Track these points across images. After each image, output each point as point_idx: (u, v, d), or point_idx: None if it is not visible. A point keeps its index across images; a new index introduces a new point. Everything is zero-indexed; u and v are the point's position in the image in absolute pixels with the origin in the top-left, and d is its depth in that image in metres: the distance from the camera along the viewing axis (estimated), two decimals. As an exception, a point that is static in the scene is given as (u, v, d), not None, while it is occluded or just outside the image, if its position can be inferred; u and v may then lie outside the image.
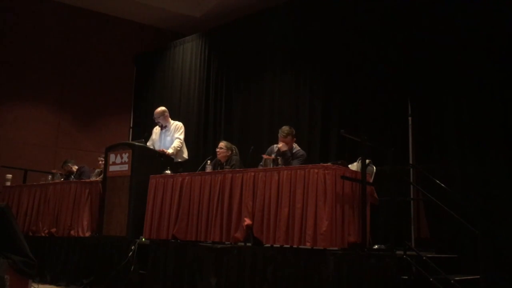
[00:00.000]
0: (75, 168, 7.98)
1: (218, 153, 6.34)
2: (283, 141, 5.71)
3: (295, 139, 5.81)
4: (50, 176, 7.79)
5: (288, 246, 4.60)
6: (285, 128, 5.75)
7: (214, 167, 6.22)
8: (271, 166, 5.01)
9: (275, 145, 5.85)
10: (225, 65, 9.18)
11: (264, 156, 5.32)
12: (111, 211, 6.24)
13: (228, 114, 8.91)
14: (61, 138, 10.10)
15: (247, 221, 4.82)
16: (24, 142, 9.59)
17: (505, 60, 5.49)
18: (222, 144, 6.37)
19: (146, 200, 5.83)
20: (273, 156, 5.46)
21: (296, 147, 5.79)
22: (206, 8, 10.06)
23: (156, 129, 7.11)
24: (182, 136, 6.90)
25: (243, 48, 8.82)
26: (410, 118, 6.40)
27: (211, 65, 9.42)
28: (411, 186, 6.17)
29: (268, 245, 4.74)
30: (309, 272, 4.29)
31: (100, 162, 7.30)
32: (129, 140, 10.08)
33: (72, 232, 6.62)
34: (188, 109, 9.61)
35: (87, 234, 6.48)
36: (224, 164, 6.12)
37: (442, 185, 5.07)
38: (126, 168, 6.19)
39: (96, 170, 7.55)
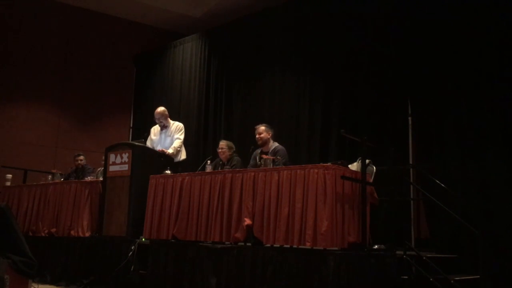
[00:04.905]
0: (84, 163, 7.96)
1: (219, 153, 6.36)
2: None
3: (270, 133, 5.99)
4: (50, 176, 7.79)
5: (288, 246, 4.60)
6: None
7: (215, 167, 6.23)
8: (271, 166, 5.01)
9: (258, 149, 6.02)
10: (225, 65, 9.18)
11: (264, 156, 5.33)
12: (111, 211, 6.24)
13: (228, 114, 8.91)
14: (61, 138, 10.10)
15: (247, 221, 4.82)
16: (24, 142, 9.59)
17: (505, 60, 5.49)
18: (222, 144, 6.38)
19: (146, 200, 5.83)
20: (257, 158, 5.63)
21: (274, 143, 5.95)
22: (206, 8, 10.06)
23: (155, 129, 7.12)
24: (182, 136, 6.91)
25: (243, 48, 8.82)
26: (410, 118, 6.40)
27: (211, 65, 9.43)
28: (411, 186, 6.17)
29: (268, 245, 4.74)
30: (309, 272, 4.29)
31: (103, 163, 7.29)
32: (129, 140, 10.09)
33: (72, 232, 6.61)
34: (188, 109, 9.61)
35: (87, 234, 6.48)
36: (225, 163, 6.12)
37: (442, 185, 5.07)
38: (126, 168, 6.19)
39: (99, 169, 7.54)
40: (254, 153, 6.05)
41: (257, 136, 5.99)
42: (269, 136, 5.97)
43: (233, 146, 6.38)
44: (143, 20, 10.93)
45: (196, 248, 5.20)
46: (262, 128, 6.00)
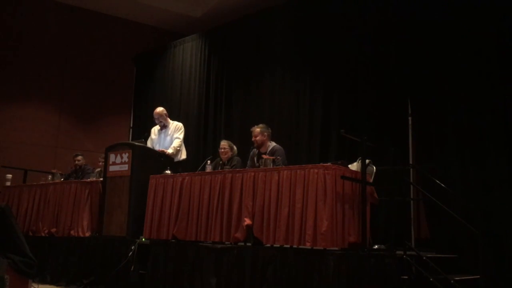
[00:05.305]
0: (83, 163, 7.99)
1: (221, 153, 6.34)
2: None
3: (266, 135, 5.87)
4: (50, 176, 7.79)
5: (288, 246, 4.61)
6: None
7: (215, 167, 6.22)
8: (271, 166, 5.01)
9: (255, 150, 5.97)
10: (225, 65, 9.18)
11: (264, 156, 5.33)
12: (111, 211, 6.24)
13: (228, 114, 8.91)
14: (61, 138, 10.10)
15: (247, 221, 4.82)
16: (24, 142, 9.59)
17: (505, 60, 5.49)
18: (224, 144, 6.37)
19: (146, 200, 5.83)
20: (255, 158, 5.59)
21: (272, 143, 5.88)
22: (206, 8, 10.07)
23: (155, 129, 7.12)
24: (182, 136, 6.91)
25: (243, 48, 8.82)
26: (410, 118, 6.40)
27: (211, 65, 9.43)
28: (411, 186, 6.17)
29: (268, 245, 4.74)
30: (309, 272, 4.29)
31: (101, 163, 7.31)
32: (129, 140, 10.08)
33: (72, 232, 6.62)
34: (188, 109, 9.61)
35: (87, 234, 6.48)
36: (225, 163, 6.12)
37: (442, 185, 5.07)
38: (126, 168, 6.19)
39: (97, 170, 7.56)
40: (252, 153, 6.03)
41: (253, 139, 5.96)
42: (265, 138, 5.85)
43: (233, 146, 6.38)
44: (143, 20, 10.94)
45: (196, 248, 5.20)
46: (257, 130, 5.88)
